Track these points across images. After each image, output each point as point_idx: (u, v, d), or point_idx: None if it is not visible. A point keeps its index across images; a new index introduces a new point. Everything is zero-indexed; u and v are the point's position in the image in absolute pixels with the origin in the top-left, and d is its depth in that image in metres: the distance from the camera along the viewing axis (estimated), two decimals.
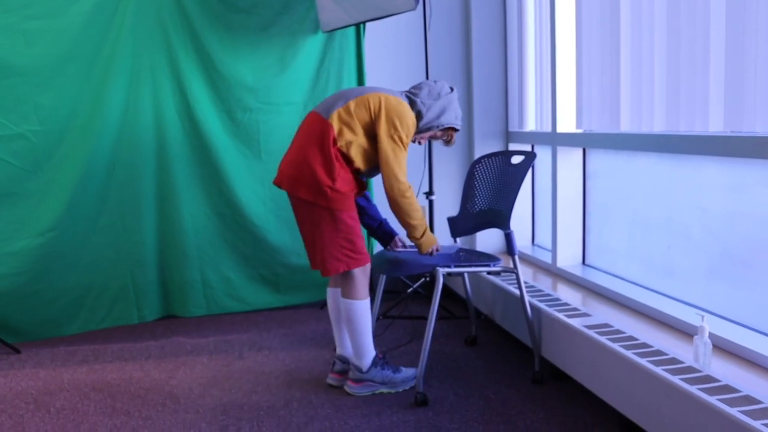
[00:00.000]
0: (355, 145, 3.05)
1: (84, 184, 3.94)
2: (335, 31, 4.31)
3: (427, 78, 4.28)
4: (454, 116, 3.24)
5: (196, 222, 4.23)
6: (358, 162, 3.07)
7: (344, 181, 3.04)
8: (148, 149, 4.11)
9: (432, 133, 3.26)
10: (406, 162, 3.06)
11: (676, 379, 2.27)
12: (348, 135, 3.03)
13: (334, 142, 3.02)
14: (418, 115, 3.16)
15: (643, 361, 2.44)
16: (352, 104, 3.06)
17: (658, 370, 2.35)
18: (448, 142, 3.35)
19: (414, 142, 3.27)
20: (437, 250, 3.20)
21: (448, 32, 4.73)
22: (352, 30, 4.41)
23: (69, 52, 3.89)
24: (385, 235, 3.46)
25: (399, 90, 3.25)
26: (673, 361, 2.45)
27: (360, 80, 4.48)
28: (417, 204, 3.08)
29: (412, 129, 3.11)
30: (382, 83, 4.47)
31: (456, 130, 3.30)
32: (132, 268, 4.16)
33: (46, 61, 3.87)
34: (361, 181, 3.17)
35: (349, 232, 3.06)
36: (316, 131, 3.05)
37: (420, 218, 3.10)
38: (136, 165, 4.08)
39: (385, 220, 3.46)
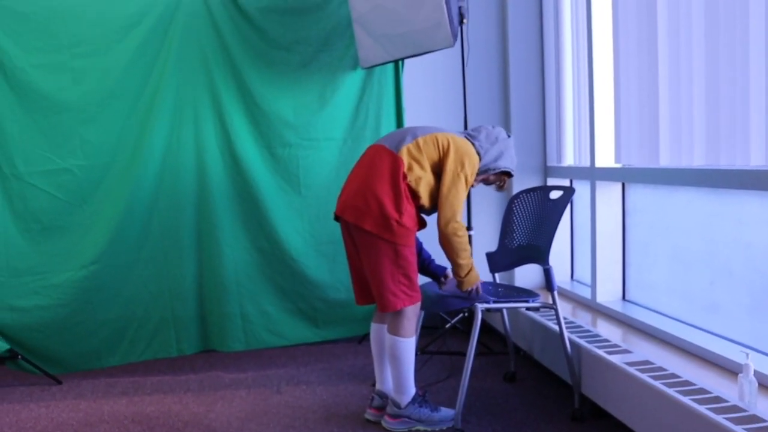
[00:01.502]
0: (424, 181, 3.07)
1: (127, 218, 4.01)
2: (374, 67, 4.36)
3: (465, 114, 4.31)
4: (510, 161, 3.27)
5: (236, 256, 4.26)
6: (424, 198, 3.09)
7: (410, 216, 3.05)
8: (190, 184, 4.17)
9: (486, 176, 3.27)
10: (464, 203, 3.07)
11: (720, 419, 2.22)
12: (417, 171, 3.05)
13: (404, 176, 3.04)
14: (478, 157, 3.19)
15: (687, 400, 2.39)
16: (420, 141, 3.09)
17: (702, 409, 2.30)
18: (500, 187, 3.37)
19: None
20: (478, 291, 3.19)
21: (486, 68, 4.76)
22: (390, 66, 4.46)
23: (114, 89, 3.99)
24: (436, 271, 3.46)
25: (458, 131, 3.28)
26: (718, 399, 2.40)
27: (399, 116, 4.51)
28: (467, 244, 3.08)
29: (476, 171, 3.14)
30: (420, 119, 4.51)
31: (510, 175, 3.32)
32: (172, 301, 4.20)
33: (92, 98, 3.97)
34: (422, 218, 3.19)
35: (409, 268, 3.07)
36: (386, 164, 3.06)
37: (468, 258, 3.10)
38: (177, 199, 4.14)
39: (431, 257, 3.47)
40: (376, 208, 3.00)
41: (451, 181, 3.04)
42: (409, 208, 3.04)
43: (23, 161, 3.92)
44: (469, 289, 3.16)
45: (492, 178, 3.30)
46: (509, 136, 3.30)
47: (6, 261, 3.92)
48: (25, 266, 3.94)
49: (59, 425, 3.33)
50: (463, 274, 3.11)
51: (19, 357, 3.92)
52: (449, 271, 3.44)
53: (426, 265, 3.45)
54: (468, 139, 3.21)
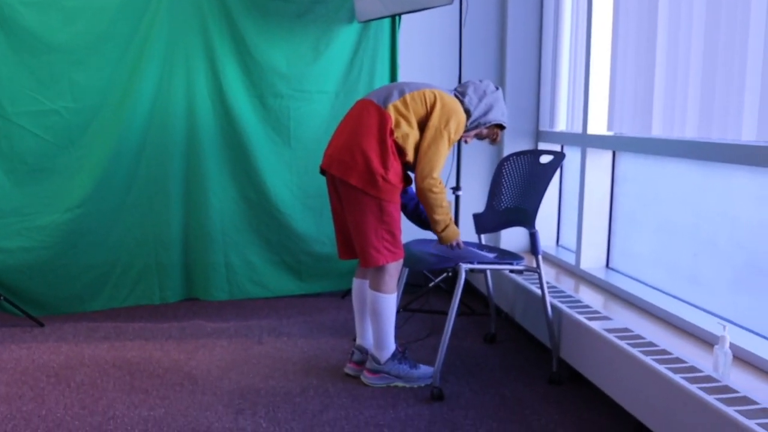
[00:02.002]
0: (411, 138, 3.05)
1: (114, 163, 3.99)
2: (370, 21, 4.31)
3: (459, 73, 4.27)
4: (500, 113, 3.25)
5: (223, 206, 4.25)
6: (411, 155, 3.08)
7: (396, 173, 3.05)
8: (179, 131, 4.14)
9: (478, 130, 3.27)
10: (445, 160, 3.06)
11: (694, 388, 2.25)
12: (405, 127, 3.04)
13: (391, 132, 3.03)
14: (466, 113, 3.17)
15: (662, 368, 2.42)
16: (408, 97, 3.07)
17: (677, 378, 2.34)
18: (494, 141, 3.36)
19: (461, 140, 3.28)
20: (458, 245, 3.19)
21: (484, 28, 4.71)
22: (387, 21, 4.41)
23: (106, 32, 3.94)
24: (421, 217, 3.45)
25: (446, 88, 3.25)
26: (692, 369, 2.43)
27: (393, 72, 4.47)
28: (444, 200, 3.07)
29: (461, 130, 3.13)
30: (415, 76, 4.47)
31: (502, 127, 3.31)
32: (157, 248, 4.20)
33: (83, 39, 3.91)
34: (407, 174, 3.18)
35: (393, 224, 3.07)
36: (373, 120, 3.05)
37: (444, 214, 3.09)
38: (166, 146, 4.12)
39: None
40: (363, 163, 3.00)
41: (432, 137, 3.03)
42: (395, 165, 3.03)
43: (10, 101, 3.87)
44: (450, 244, 3.16)
45: (485, 132, 3.30)
46: (497, 88, 3.28)
47: None
48: (10, 207, 3.92)
49: (40, 367, 3.34)
50: (439, 229, 3.12)
51: (2, 298, 3.92)
52: None
53: (410, 210, 3.43)
54: (457, 96, 3.19)
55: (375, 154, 3.00)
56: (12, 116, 3.88)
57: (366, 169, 3.00)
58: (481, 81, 3.27)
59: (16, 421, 2.75)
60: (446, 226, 3.12)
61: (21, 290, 3.98)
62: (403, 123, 3.04)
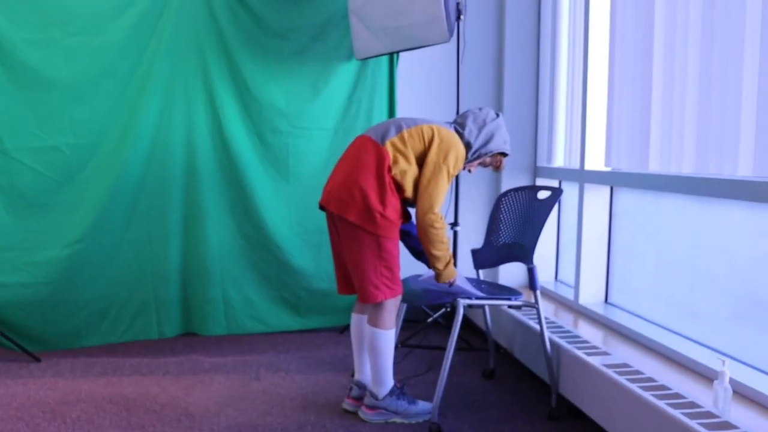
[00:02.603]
0: (409, 174, 3.06)
1: (113, 198, 4.00)
2: (369, 59, 4.35)
3: (457, 109, 4.30)
4: (502, 141, 3.25)
5: (221, 241, 4.26)
6: (409, 191, 3.08)
7: (394, 209, 3.05)
8: (178, 167, 4.16)
9: (481, 160, 3.27)
10: (445, 195, 3.07)
11: (693, 424, 2.24)
12: (402, 164, 3.05)
13: (389, 169, 3.04)
14: (467, 146, 3.18)
15: (661, 404, 2.41)
16: (405, 133, 3.08)
17: (676, 414, 2.32)
18: (497, 168, 3.34)
19: (465, 170, 3.29)
20: (452, 284, 3.18)
21: (481, 65, 4.76)
22: (385, 59, 4.46)
23: (107, 68, 3.98)
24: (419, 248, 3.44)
25: (444, 121, 3.27)
26: (692, 405, 2.42)
27: (391, 109, 4.51)
28: (445, 236, 3.07)
29: (461, 163, 3.12)
30: (413, 113, 4.50)
31: (505, 155, 3.31)
32: (155, 283, 4.20)
33: (84, 76, 3.95)
34: (407, 210, 3.19)
35: (391, 260, 3.07)
36: (371, 156, 3.05)
37: (444, 250, 3.09)
38: (165, 181, 4.14)
39: None
40: (360, 200, 3.01)
41: (431, 172, 3.03)
42: (393, 201, 3.04)
43: (10, 137, 3.90)
44: (447, 282, 3.16)
45: (488, 160, 3.29)
46: (498, 115, 3.27)
47: None
48: (9, 242, 3.92)
49: (36, 403, 3.32)
50: (440, 266, 3.10)
51: None
52: None
53: (420, 251, 3.42)
54: (456, 129, 3.20)
55: (373, 190, 3.01)
56: (11, 152, 3.90)
57: (364, 206, 3.00)
58: (480, 109, 3.27)
59: None
60: (447, 263, 3.12)
61: (18, 325, 3.97)
62: (401, 159, 3.05)
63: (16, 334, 3.97)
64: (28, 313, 3.95)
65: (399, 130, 3.09)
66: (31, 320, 3.98)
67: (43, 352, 4.03)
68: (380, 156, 3.04)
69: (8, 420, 3.10)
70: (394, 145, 3.05)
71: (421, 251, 3.43)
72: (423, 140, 3.07)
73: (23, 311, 3.94)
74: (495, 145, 3.23)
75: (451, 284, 3.16)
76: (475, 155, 3.22)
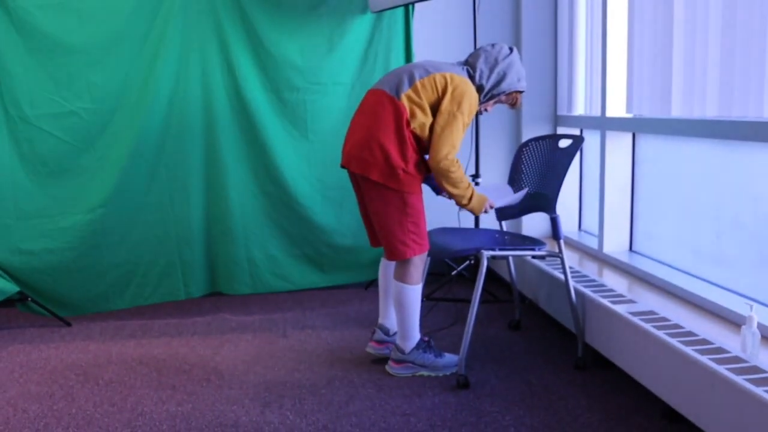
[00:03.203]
0: (427, 126, 3.02)
1: (133, 162, 4.01)
2: (384, 11, 4.29)
3: None
4: (516, 79, 3.17)
5: (243, 200, 4.27)
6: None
7: (415, 164, 3.03)
8: (197, 127, 4.15)
9: (496, 99, 3.21)
10: (460, 143, 3.01)
11: (721, 369, 2.23)
12: (420, 117, 3.01)
13: (408, 123, 3.01)
14: (479, 89, 3.12)
15: (689, 350, 2.41)
16: (419, 84, 3.02)
17: (704, 359, 2.32)
18: (513, 105, 3.27)
19: (480, 113, 3.26)
20: (491, 207, 3.13)
21: (498, 13, 4.68)
22: (400, 10, 4.39)
23: (121, 31, 3.95)
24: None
25: (456, 62, 3.22)
26: (720, 350, 2.41)
27: (408, 61, 4.45)
28: (463, 176, 3.01)
29: (474, 109, 3.06)
30: None
31: (521, 92, 3.24)
32: (179, 245, 4.22)
33: (99, 40, 3.93)
34: (426, 163, 3.17)
35: (417, 216, 3.05)
36: (388, 112, 3.01)
37: (464, 188, 3.02)
38: (184, 143, 4.13)
39: None
40: (382, 158, 2.98)
41: (445, 120, 2.97)
42: (414, 155, 3.02)
43: (29, 104, 3.90)
44: (483, 211, 3.11)
45: (503, 98, 3.22)
46: (511, 50, 3.17)
47: (14, 204, 3.93)
48: (33, 209, 3.95)
49: (69, 366, 3.38)
50: (465, 202, 3.06)
51: (29, 299, 3.97)
52: None
53: (432, 176, 3.38)
54: (468, 71, 3.14)
55: (394, 147, 2.99)
56: (32, 119, 3.91)
57: (386, 163, 2.98)
58: (493, 46, 3.18)
59: (47, 420, 2.78)
60: (471, 197, 3.06)
61: (47, 291, 4.02)
62: (418, 112, 3.01)
63: (45, 300, 4.02)
64: (55, 279, 4.00)
65: (412, 80, 3.04)
66: (59, 286, 4.03)
67: (73, 316, 4.09)
68: (398, 111, 3.00)
69: (43, 383, 3.16)
70: (409, 98, 3.01)
71: (502, 213, 3.44)
72: (436, 90, 3.02)
73: (51, 277, 3.99)
74: (507, 85, 3.15)
75: (487, 211, 3.13)
76: (488, 96, 3.16)
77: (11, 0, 3.79)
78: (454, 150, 2.97)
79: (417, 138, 3.03)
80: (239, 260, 4.30)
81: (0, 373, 3.29)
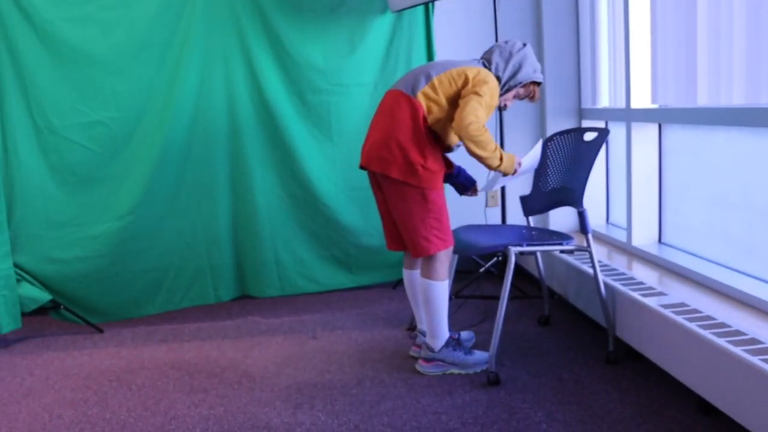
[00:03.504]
0: (445, 121, 3.04)
1: (160, 169, 4.04)
2: (404, 11, 4.29)
3: None
4: (531, 70, 3.19)
5: (269, 203, 4.28)
6: (449, 138, 3.08)
7: (435, 159, 3.05)
8: (222, 132, 4.18)
9: (514, 92, 3.23)
10: (485, 118, 2.96)
11: (755, 360, 2.20)
12: (437, 112, 3.03)
13: (425, 120, 3.02)
14: (497, 81, 3.13)
15: (721, 341, 2.38)
16: (435, 81, 3.05)
17: (737, 350, 2.29)
18: (532, 98, 3.29)
19: (502, 108, 3.28)
20: (519, 164, 3.14)
21: (519, 8, 4.66)
22: (420, 9, 4.39)
23: (143, 40, 3.99)
24: (465, 182, 3.42)
25: (472, 58, 3.24)
26: (753, 341, 2.38)
27: (430, 60, 4.45)
28: (489, 137, 2.96)
29: (496, 95, 3.06)
30: None
31: (538, 83, 3.26)
32: (208, 249, 4.25)
33: (122, 49, 3.97)
34: (448, 159, 3.18)
35: (439, 211, 3.06)
36: (405, 111, 3.03)
37: (492, 149, 2.97)
38: (209, 148, 4.16)
39: (462, 167, 3.42)
40: (400, 155, 3.00)
41: (466, 101, 2.95)
42: (433, 151, 3.04)
43: (56, 115, 3.95)
44: (514, 170, 3.11)
45: (522, 92, 3.25)
46: (525, 45, 3.21)
47: (45, 214, 3.99)
48: (64, 219, 4.00)
49: (102, 372, 3.41)
50: (495, 164, 3.02)
51: (62, 307, 4.01)
52: (479, 185, 3.47)
53: (453, 175, 3.39)
54: (485, 65, 3.17)
55: (411, 144, 3.00)
56: (59, 129, 3.96)
57: (404, 160, 2.99)
58: (506, 42, 3.22)
59: (82, 425, 2.81)
60: (500, 159, 3.03)
61: (79, 298, 4.07)
62: (435, 108, 3.03)
63: (78, 307, 4.07)
64: (87, 286, 4.05)
65: (429, 78, 3.06)
66: (90, 293, 4.07)
67: (105, 323, 4.13)
68: (414, 108, 3.02)
69: (77, 389, 3.20)
70: (426, 95, 3.03)
71: (464, 186, 3.42)
72: (455, 83, 3.03)
73: (82, 285, 4.04)
74: (524, 75, 3.17)
75: (517, 169, 3.13)
76: (505, 88, 3.18)
77: (36, 14, 3.84)
78: (477, 120, 2.92)
79: (435, 134, 3.03)
80: (267, 263, 4.33)
81: (35, 380, 3.33)
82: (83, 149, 3.99)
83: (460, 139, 2.98)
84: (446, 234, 3.08)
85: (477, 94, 2.96)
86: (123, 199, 4.03)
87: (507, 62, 3.16)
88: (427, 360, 3.17)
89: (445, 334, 3.15)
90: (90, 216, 4.02)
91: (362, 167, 3.16)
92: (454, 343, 3.16)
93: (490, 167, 3.06)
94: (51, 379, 3.34)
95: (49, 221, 4.00)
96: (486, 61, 3.19)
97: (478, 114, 2.94)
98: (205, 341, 3.79)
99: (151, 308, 4.22)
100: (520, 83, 3.19)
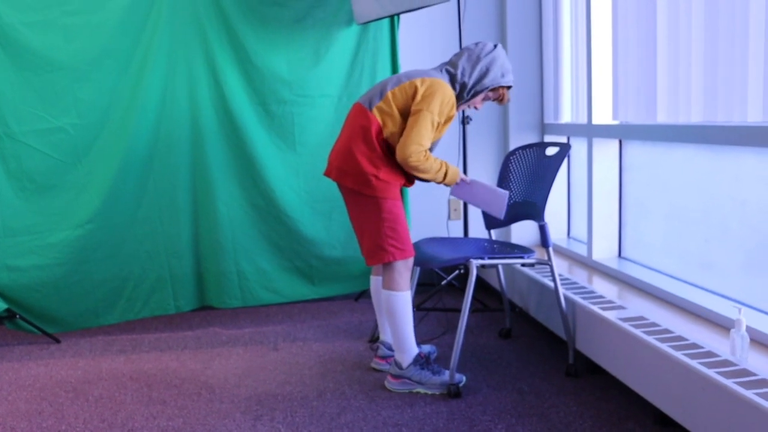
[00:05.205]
0: (400, 135, 3.05)
1: (122, 177, 4.00)
2: (369, 23, 4.31)
3: None
4: (499, 75, 3.16)
5: (231, 214, 4.25)
6: None
7: (389, 171, 3.06)
8: (185, 142, 4.15)
9: (483, 95, 3.21)
10: (429, 140, 2.99)
11: (711, 373, 2.24)
12: (391, 126, 3.04)
13: (379, 133, 3.04)
14: (463, 86, 3.13)
15: (679, 354, 2.41)
16: (389, 95, 3.06)
17: (694, 363, 2.32)
18: (501, 101, 3.27)
19: (470, 108, 3.28)
20: (463, 180, 3.16)
21: (483, 23, 4.71)
22: (386, 22, 4.40)
23: (107, 47, 3.94)
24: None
25: (440, 63, 3.25)
26: (709, 354, 2.42)
27: (395, 72, 4.46)
28: (431, 165, 3.01)
29: (448, 107, 3.05)
30: None
31: (508, 87, 3.23)
32: (169, 259, 4.21)
33: (85, 56, 3.92)
34: (409, 174, 3.18)
35: (394, 221, 3.07)
36: (361, 123, 3.07)
37: (435, 172, 3.03)
38: (172, 157, 4.13)
39: None
40: (354, 166, 3.05)
41: (413, 119, 2.99)
42: (388, 163, 3.06)
43: (16, 120, 3.88)
44: (457, 183, 3.15)
45: (490, 95, 3.22)
46: (495, 47, 3.18)
47: (2, 221, 3.91)
48: (21, 226, 3.93)
49: (58, 383, 3.35)
50: (440, 180, 3.09)
51: (17, 316, 3.94)
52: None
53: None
54: (449, 71, 3.15)
55: (362, 156, 3.04)
56: (19, 135, 3.90)
57: (358, 171, 3.04)
58: (477, 44, 3.19)
59: None
60: (444, 175, 3.08)
61: (36, 308, 4.00)
62: (389, 122, 3.05)
63: (34, 317, 4.00)
64: (44, 295, 3.98)
65: (383, 93, 3.08)
66: (48, 302, 4.00)
67: (62, 333, 4.07)
68: (367, 121, 3.05)
69: (32, 401, 3.14)
70: (380, 110, 3.06)
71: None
72: (406, 96, 3.05)
73: (40, 293, 3.97)
74: (491, 80, 3.14)
75: (460, 182, 3.15)
76: (471, 93, 3.16)
77: None
78: (420, 147, 2.97)
79: (390, 147, 3.06)
80: (229, 273, 4.29)
81: None
82: (43, 156, 3.93)
83: (400, 163, 3.02)
84: (404, 244, 3.09)
85: (424, 111, 2.98)
86: (83, 207, 3.97)
87: (474, 66, 3.13)
88: (395, 377, 3.15)
89: (412, 349, 3.12)
90: (48, 224, 3.96)
91: (325, 175, 3.20)
92: (423, 361, 3.12)
93: (437, 182, 3.12)
94: (4, 390, 3.28)
95: (5, 228, 3.92)
96: (452, 66, 3.16)
97: (422, 140, 2.97)
98: (165, 352, 3.75)
99: (110, 318, 4.16)
100: (487, 88, 3.16)
